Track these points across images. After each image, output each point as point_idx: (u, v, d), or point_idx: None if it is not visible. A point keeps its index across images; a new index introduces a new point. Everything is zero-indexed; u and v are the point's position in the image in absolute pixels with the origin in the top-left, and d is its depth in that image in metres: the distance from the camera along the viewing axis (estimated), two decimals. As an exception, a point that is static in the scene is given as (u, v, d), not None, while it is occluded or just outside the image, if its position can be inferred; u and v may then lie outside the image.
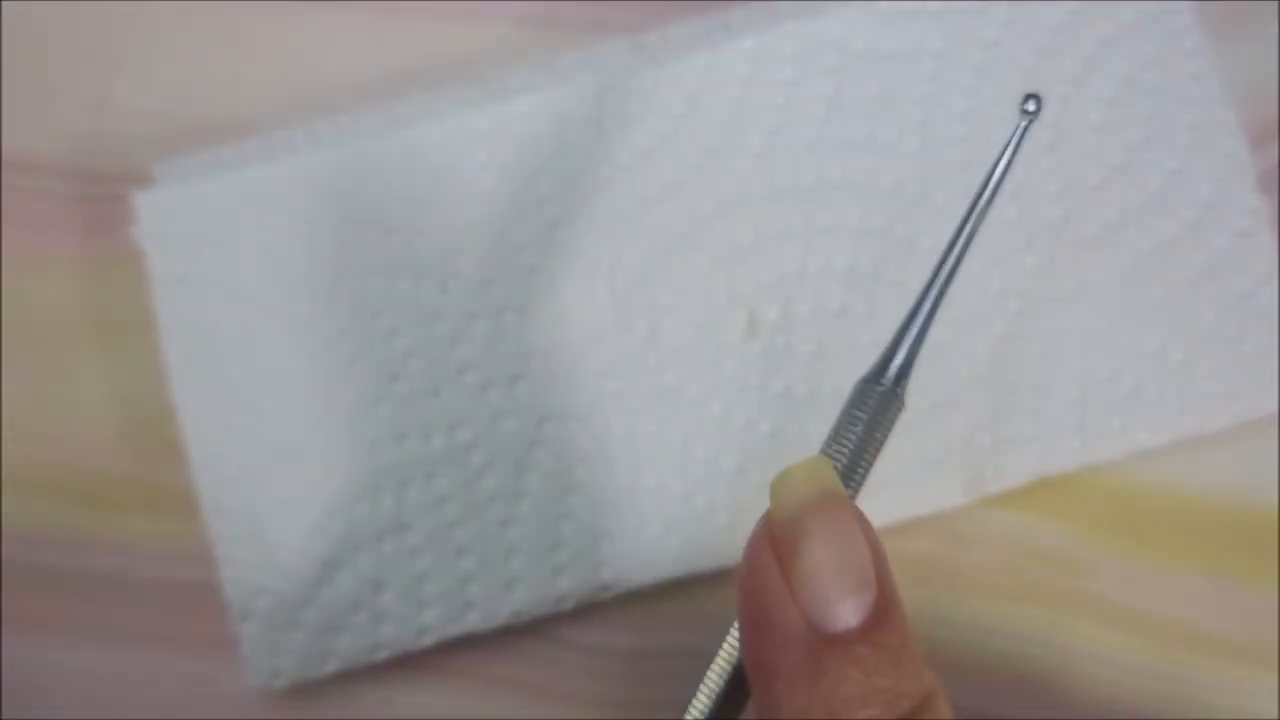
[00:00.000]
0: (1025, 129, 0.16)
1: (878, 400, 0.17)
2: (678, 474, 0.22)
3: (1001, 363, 0.23)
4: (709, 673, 0.17)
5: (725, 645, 0.17)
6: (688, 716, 0.16)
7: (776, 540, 0.16)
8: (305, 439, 0.22)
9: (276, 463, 0.22)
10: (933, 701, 0.16)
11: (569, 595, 0.22)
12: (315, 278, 0.23)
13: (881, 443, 0.17)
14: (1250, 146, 0.23)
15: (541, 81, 0.23)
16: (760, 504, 0.20)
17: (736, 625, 0.16)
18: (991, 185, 0.16)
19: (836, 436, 0.17)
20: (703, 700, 0.16)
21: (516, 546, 0.22)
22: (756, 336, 0.23)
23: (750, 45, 0.23)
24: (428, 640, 0.22)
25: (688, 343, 0.23)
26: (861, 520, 0.16)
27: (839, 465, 0.17)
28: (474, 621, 0.22)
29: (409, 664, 0.22)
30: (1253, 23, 0.25)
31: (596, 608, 0.23)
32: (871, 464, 0.17)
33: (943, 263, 0.16)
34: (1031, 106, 0.16)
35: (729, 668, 0.16)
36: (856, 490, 0.17)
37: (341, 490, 0.22)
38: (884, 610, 0.16)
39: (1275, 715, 0.22)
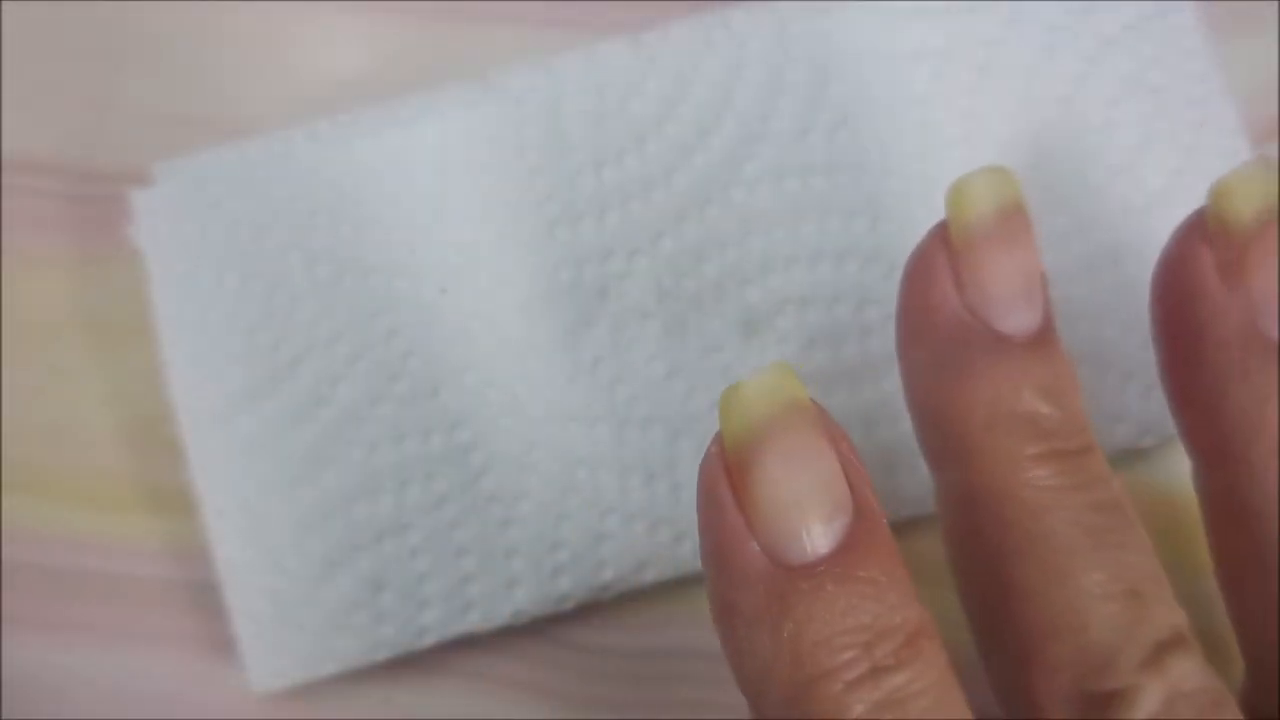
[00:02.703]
0: None
1: None
2: (676, 473, 0.22)
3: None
4: None
5: None
6: None
7: (729, 465, 0.14)
8: (304, 439, 0.22)
9: (276, 463, 0.22)
10: (919, 643, 0.14)
11: (569, 595, 0.22)
12: (314, 277, 0.23)
13: None
14: (1251, 146, 0.23)
15: (540, 82, 0.23)
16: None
17: None
18: None
19: None
20: None
21: (516, 547, 0.22)
22: (759, 333, 0.23)
23: (751, 45, 0.23)
24: (428, 640, 0.22)
25: (685, 341, 0.23)
26: (833, 431, 0.14)
27: None
28: (474, 621, 0.22)
29: (409, 664, 0.22)
30: (1254, 22, 0.24)
31: (596, 608, 0.23)
32: None
33: None
34: None
35: None
36: None
37: (341, 490, 0.22)
38: (860, 537, 0.14)
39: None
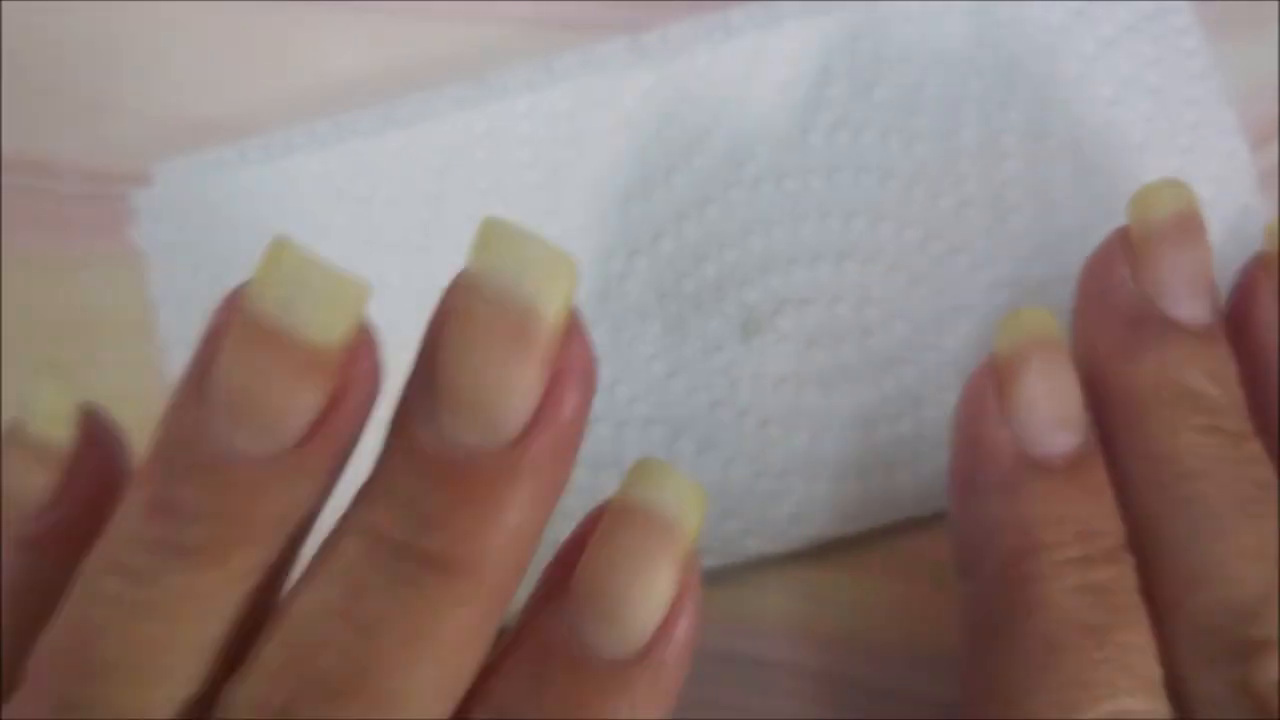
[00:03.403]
0: None
1: None
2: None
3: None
4: None
5: None
6: None
7: (998, 370, 0.17)
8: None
9: (276, 463, 0.22)
10: (1123, 554, 0.16)
11: (569, 595, 0.22)
12: (315, 278, 0.23)
13: None
14: (1250, 146, 0.23)
15: (541, 81, 0.23)
16: (754, 499, 0.20)
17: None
18: None
19: None
20: None
21: (516, 546, 0.22)
22: (759, 333, 0.23)
23: (750, 45, 0.23)
24: (428, 640, 0.22)
25: (685, 341, 0.23)
26: (1075, 372, 0.17)
27: None
28: (474, 621, 0.22)
29: (409, 664, 0.22)
30: (1253, 23, 0.25)
31: (596, 608, 0.23)
32: None
33: None
34: None
35: None
36: None
37: (341, 491, 0.22)
38: (1088, 456, 0.17)
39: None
